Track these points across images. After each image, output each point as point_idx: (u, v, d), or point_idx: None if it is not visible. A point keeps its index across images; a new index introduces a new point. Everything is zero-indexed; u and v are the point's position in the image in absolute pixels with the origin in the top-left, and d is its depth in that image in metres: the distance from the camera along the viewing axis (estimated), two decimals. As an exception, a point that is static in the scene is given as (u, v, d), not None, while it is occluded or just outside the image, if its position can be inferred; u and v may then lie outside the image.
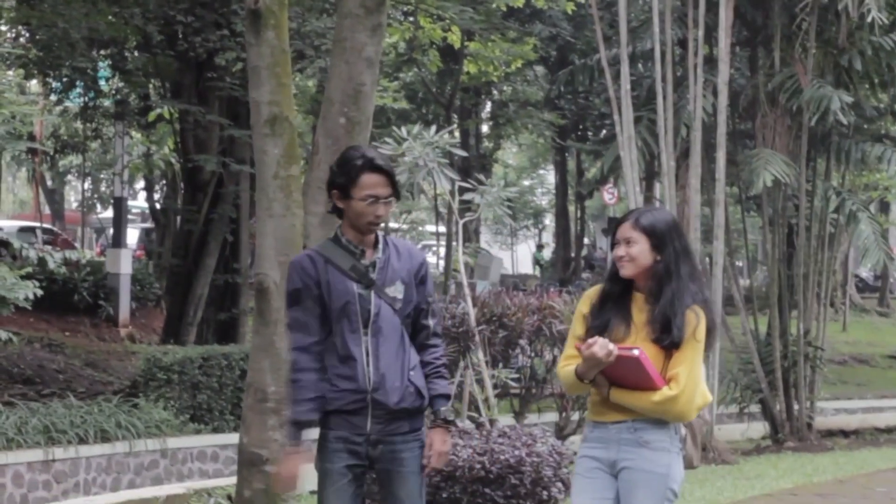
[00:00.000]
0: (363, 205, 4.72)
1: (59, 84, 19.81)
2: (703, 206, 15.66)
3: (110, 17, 16.47)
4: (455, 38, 22.69)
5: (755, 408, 16.34)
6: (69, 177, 41.67)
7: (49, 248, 20.00)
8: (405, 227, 38.19)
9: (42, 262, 12.16)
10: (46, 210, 38.23)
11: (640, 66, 18.26)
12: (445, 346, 10.46)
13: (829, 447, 15.69)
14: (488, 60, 24.15)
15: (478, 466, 8.10)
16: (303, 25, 16.30)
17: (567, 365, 4.67)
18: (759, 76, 16.09)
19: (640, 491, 4.60)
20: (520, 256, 52.57)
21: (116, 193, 21.40)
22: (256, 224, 8.29)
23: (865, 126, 17.02)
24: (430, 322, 4.90)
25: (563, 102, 31.05)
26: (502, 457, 8.19)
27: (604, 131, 31.52)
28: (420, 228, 40.79)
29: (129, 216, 27.01)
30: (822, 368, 17.05)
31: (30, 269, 12.10)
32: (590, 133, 34.00)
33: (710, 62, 15.43)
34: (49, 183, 39.39)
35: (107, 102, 20.68)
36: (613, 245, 4.71)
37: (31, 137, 26.02)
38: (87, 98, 20.60)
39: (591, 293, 4.79)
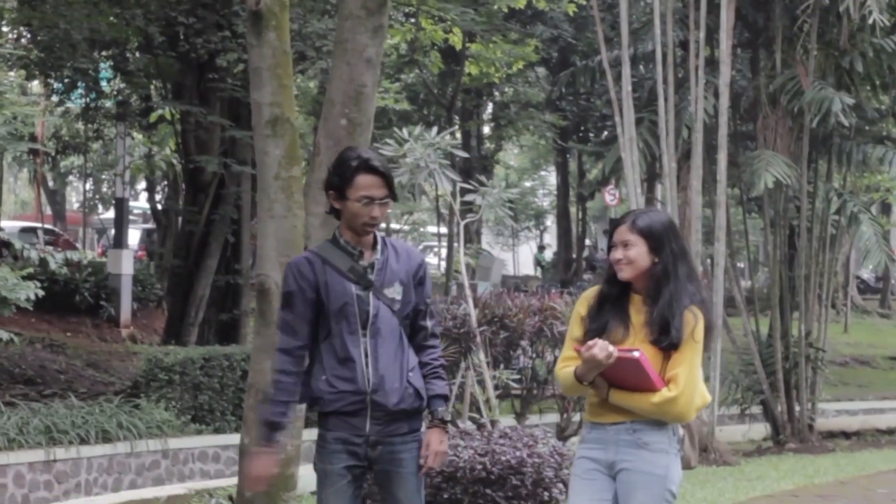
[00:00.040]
0: (358, 206, 4.72)
1: (60, 85, 19.81)
2: (704, 208, 15.67)
3: (112, 18, 16.48)
4: (456, 39, 22.69)
5: (756, 409, 16.34)
6: (70, 177, 41.67)
7: (50, 248, 19.97)
8: (406, 228, 38.21)
9: (43, 262, 12.14)
10: (48, 211, 38.25)
11: (641, 67, 18.28)
12: (446, 347, 10.53)
13: (831, 448, 15.70)
14: (490, 62, 24.13)
15: (479, 467, 8.11)
16: (304, 27, 16.30)
17: (565, 366, 4.67)
18: (761, 78, 16.10)
19: (639, 492, 4.60)
20: (521, 258, 52.58)
21: (118, 194, 21.40)
22: (258, 225, 8.30)
23: (867, 128, 17.03)
24: (429, 323, 4.91)
25: (564, 104, 31.05)
26: (503, 458, 8.20)
27: (605, 133, 31.52)
28: (421, 229, 40.83)
29: (131, 217, 26.99)
30: (824, 370, 17.05)
31: (31, 270, 12.08)
32: (591, 134, 34.00)
33: (712, 64, 15.44)
34: (50, 184, 39.39)
35: (108, 103, 20.67)
36: (610, 248, 4.70)
37: (33, 138, 26.06)
38: (88, 99, 20.60)
39: (589, 294, 4.79)
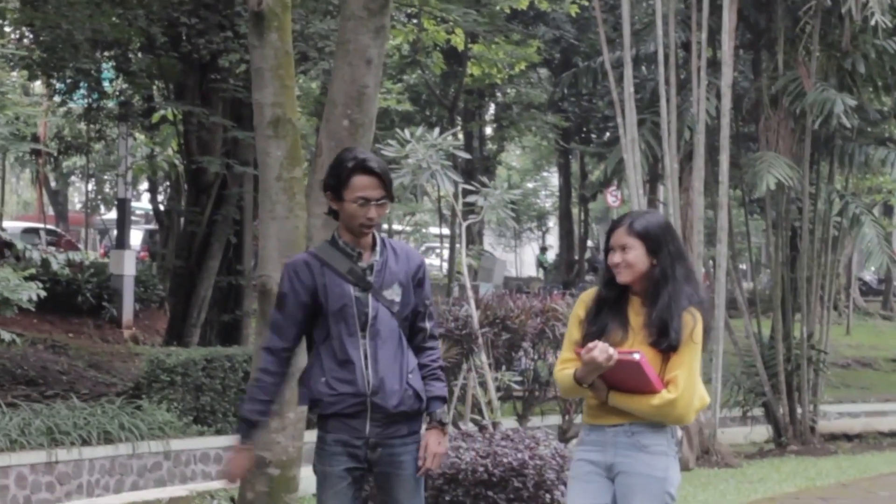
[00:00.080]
0: (354, 206, 4.71)
1: (62, 85, 19.82)
2: (706, 209, 15.67)
3: (114, 19, 16.48)
4: (459, 40, 22.69)
5: (758, 411, 16.35)
6: (73, 178, 41.66)
7: (52, 249, 20.00)
8: (409, 229, 38.20)
9: (45, 263, 12.14)
10: (50, 211, 38.27)
11: (643, 68, 18.27)
12: (448, 349, 10.52)
13: (833, 451, 15.69)
14: (492, 63, 24.12)
15: (481, 469, 8.10)
16: (306, 27, 16.30)
17: (564, 368, 4.66)
18: (763, 79, 16.09)
19: (639, 495, 4.59)
20: (523, 259, 52.58)
21: (120, 195, 21.40)
22: (259, 226, 8.30)
23: (869, 129, 17.03)
24: (428, 325, 4.89)
25: (566, 105, 31.02)
26: (505, 459, 8.19)
27: (607, 134, 31.50)
28: (423, 230, 40.78)
29: (133, 218, 26.99)
30: (826, 372, 17.05)
31: (33, 271, 12.08)
32: (593, 135, 33.98)
33: (714, 65, 15.45)
34: (53, 184, 39.39)
35: (110, 104, 20.68)
36: (607, 252, 4.69)
37: (35, 139, 26.06)
38: (90, 99, 20.61)
39: (586, 296, 4.77)
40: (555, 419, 14.21)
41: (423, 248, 42.32)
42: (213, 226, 17.70)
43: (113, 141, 22.72)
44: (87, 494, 11.27)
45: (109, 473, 11.64)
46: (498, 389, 10.81)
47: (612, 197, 33.44)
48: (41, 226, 31.69)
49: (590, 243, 41.12)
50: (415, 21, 22.06)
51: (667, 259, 4.61)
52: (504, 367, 12.08)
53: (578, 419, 13.29)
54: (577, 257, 36.91)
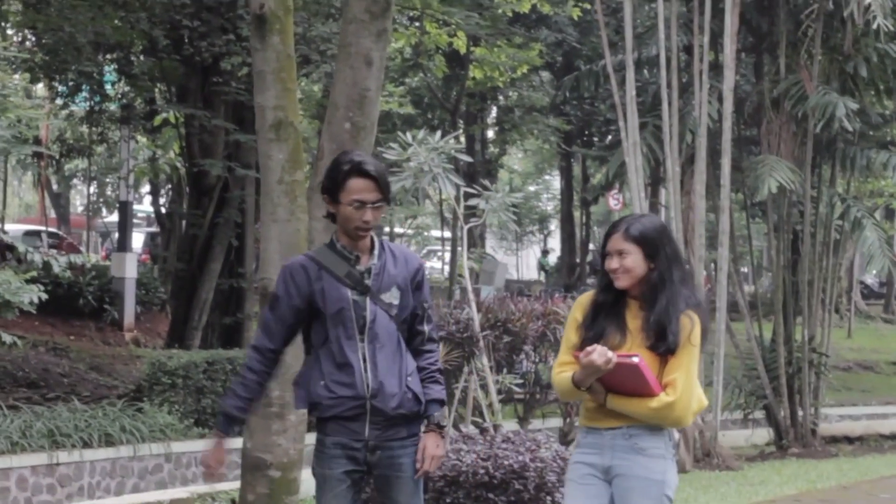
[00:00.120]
0: (350, 209, 4.71)
1: (64, 88, 19.83)
2: (708, 212, 15.68)
3: (116, 22, 16.50)
4: (461, 43, 22.69)
5: (759, 414, 16.35)
6: (75, 181, 41.69)
7: (54, 251, 20.03)
8: (410, 232, 38.22)
9: (47, 265, 12.16)
10: (52, 214, 38.35)
11: (645, 72, 18.29)
12: (450, 352, 10.52)
13: (834, 453, 15.69)
14: (494, 66, 24.11)
15: (481, 471, 8.10)
16: (308, 30, 16.31)
17: (562, 371, 4.66)
18: (765, 82, 16.10)
19: (637, 497, 4.59)
20: (525, 262, 52.58)
21: (122, 198, 21.43)
22: (261, 229, 8.31)
23: (871, 133, 17.05)
24: (426, 327, 4.89)
25: (568, 108, 31.05)
26: (506, 462, 8.19)
27: (609, 137, 31.52)
28: (425, 234, 40.81)
29: (135, 220, 27.02)
30: (827, 375, 17.06)
31: (35, 273, 12.10)
32: (595, 139, 34.01)
33: (716, 68, 15.45)
34: (54, 187, 39.45)
35: (112, 106, 20.69)
36: (604, 257, 4.69)
37: (37, 141, 26.09)
38: (92, 102, 20.61)
39: (584, 299, 4.77)
40: (556, 422, 14.22)
41: (424, 252, 42.35)
42: (214, 229, 17.71)
43: (115, 144, 22.73)
44: (88, 496, 11.29)
45: (110, 476, 11.65)
46: (499, 392, 10.82)
47: (613, 200, 33.48)
48: (43, 228, 31.73)
49: (591, 246, 41.14)
50: (417, 24, 22.07)
51: (664, 263, 4.61)
52: (505, 370, 12.09)
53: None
54: (578, 260, 36.93)
